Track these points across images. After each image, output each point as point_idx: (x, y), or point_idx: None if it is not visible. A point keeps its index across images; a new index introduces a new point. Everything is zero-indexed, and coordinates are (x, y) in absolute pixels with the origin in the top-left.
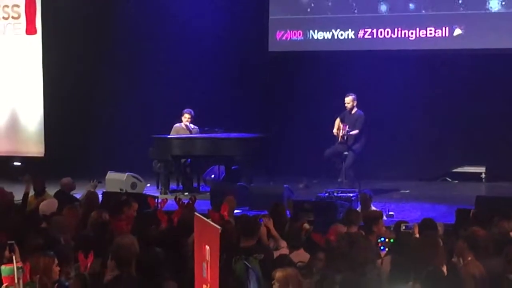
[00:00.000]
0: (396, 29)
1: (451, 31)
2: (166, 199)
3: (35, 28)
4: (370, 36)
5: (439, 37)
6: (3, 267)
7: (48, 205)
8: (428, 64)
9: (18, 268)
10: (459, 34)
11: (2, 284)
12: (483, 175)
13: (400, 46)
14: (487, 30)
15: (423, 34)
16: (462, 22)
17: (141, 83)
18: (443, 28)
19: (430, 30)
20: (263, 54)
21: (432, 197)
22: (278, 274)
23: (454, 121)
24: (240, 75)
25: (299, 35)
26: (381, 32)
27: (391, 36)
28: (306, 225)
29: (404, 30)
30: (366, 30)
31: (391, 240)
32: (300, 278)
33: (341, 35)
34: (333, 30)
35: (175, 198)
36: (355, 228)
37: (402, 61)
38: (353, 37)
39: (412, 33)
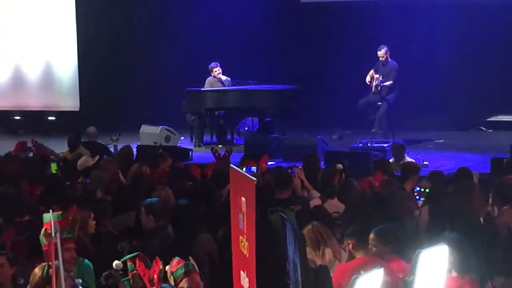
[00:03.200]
0: None
1: None
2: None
3: None
4: None
5: None
6: (45, 214)
7: (86, 160)
8: (463, 14)
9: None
10: None
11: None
12: None
13: None
14: None
15: None
16: None
17: (174, 36)
18: None
19: None
20: (295, 5)
21: (466, 147)
22: (307, 228)
23: (488, 70)
24: (273, 27)
25: None
26: None
27: None
28: (339, 165)
29: None
30: None
31: (427, 190)
32: (328, 231)
33: None
34: None
35: (212, 150)
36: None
37: (436, 11)
38: None
39: None
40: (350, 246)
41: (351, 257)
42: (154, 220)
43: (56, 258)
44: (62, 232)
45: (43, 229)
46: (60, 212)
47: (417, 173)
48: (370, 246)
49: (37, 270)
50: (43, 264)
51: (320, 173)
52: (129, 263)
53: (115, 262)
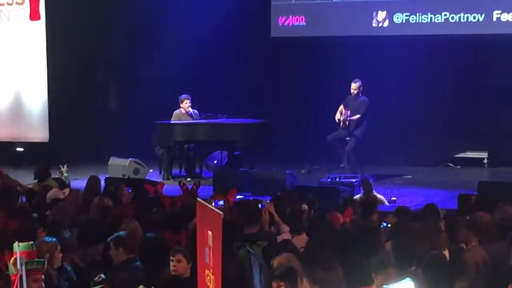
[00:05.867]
0: (396, 15)
1: (446, 17)
2: (163, 183)
3: (38, 13)
4: (371, 22)
5: (437, 22)
6: (15, 244)
7: (55, 193)
8: (429, 50)
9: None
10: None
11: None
12: (485, 161)
13: (401, 31)
14: (489, 16)
15: (423, 20)
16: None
17: (144, 70)
18: (441, 14)
19: (445, 15)
20: (266, 40)
21: (434, 183)
22: (278, 260)
23: (456, 107)
24: (243, 60)
25: (301, 20)
26: (382, 17)
27: (392, 21)
28: (305, 206)
29: (405, 15)
30: (367, 15)
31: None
32: (298, 263)
33: (343, 20)
34: (335, 16)
35: (180, 183)
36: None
37: (403, 47)
38: (355, 22)
39: (413, 19)
40: None
41: None
42: (124, 253)
43: None
44: (31, 262)
45: (13, 258)
46: (30, 242)
47: (376, 206)
48: None
49: None
50: None
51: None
52: None
53: None
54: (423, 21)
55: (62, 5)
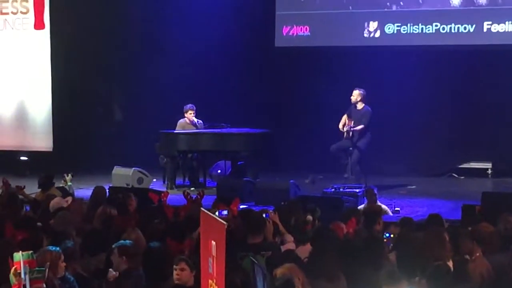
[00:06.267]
0: (403, 25)
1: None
2: (168, 192)
3: (43, 23)
4: (376, 32)
5: (443, 33)
6: (15, 253)
7: (59, 202)
8: (435, 60)
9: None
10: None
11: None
12: (489, 171)
13: (407, 42)
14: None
15: (428, 30)
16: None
17: (148, 79)
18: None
19: (436, 26)
20: (270, 50)
21: (438, 193)
22: (280, 271)
23: (461, 117)
24: (246, 70)
25: (306, 30)
26: (388, 27)
27: (398, 31)
28: (309, 217)
29: (412, 25)
30: (372, 25)
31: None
32: (301, 273)
33: (348, 30)
34: (340, 26)
35: (184, 193)
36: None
37: (409, 57)
38: (360, 32)
39: (419, 28)
40: None
41: None
42: (126, 262)
43: None
44: (32, 272)
45: (13, 268)
46: (30, 251)
47: (380, 216)
48: None
49: None
50: None
51: (293, 218)
52: None
53: None
54: (427, 32)
55: (66, 14)
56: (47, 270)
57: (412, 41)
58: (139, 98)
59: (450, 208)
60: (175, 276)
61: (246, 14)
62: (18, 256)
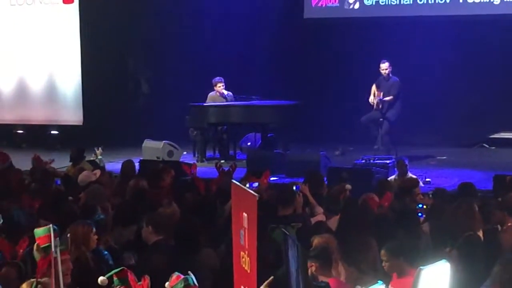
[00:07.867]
0: None
1: None
2: (196, 165)
3: None
4: (406, 2)
5: (477, 2)
6: (36, 229)
7: (87, 175)
8: (467, 30)
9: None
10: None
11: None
12: None
13: (438, 11)
14: None
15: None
16: None
17: (178, 52)
18: None
19: None
20: (299, 21)
21: (469, 164)
22: (316, 240)
23: (492, 87)
24: (276, 42)
25: (335, 1)
26: None
27: (428, 1)
28: (348, 186)
29: None
30: None
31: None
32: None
33: (377, 1)
34: None
35: (216, 165)
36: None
37: (440, 27)
38: (389, 3)
39: None
40: (313, 268)
41: None
42: (154, 233)
43: (55, 271)
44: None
45: (35, 244)
46: (49, 225)
47: (417, 187)
48: (383, 264)
49: (25, 286)
50: (31, 280)
51: (324, 189)
52: (115, 278)
53: (100, 278)
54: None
55: None
56: (69, 241)
57: (445, 11)
58: (169, 71)
59: (482, 178)
60: None
61: None
62: (41, 231)
